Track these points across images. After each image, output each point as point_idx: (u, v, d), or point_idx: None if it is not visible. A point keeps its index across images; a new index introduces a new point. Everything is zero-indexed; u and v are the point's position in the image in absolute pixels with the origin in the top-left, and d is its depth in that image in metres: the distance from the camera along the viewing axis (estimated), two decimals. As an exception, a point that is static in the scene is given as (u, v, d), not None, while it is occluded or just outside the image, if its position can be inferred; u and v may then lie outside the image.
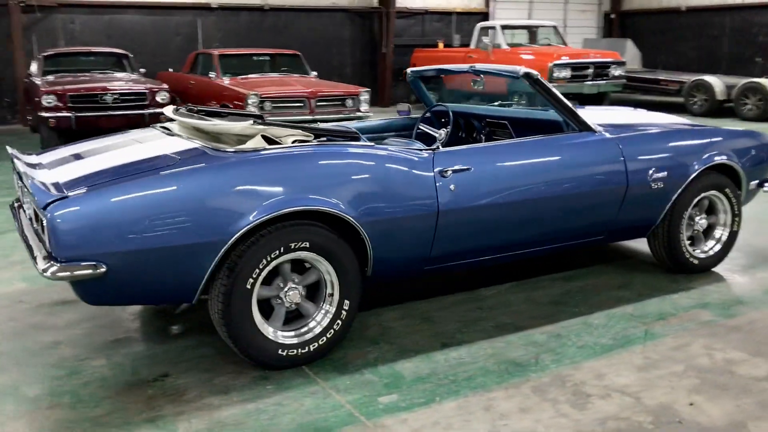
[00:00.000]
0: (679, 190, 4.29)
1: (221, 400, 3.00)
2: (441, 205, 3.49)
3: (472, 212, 3.61)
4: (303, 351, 3.25)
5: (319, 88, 10.42)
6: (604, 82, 13.93)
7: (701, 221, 4.53)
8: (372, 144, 3.50)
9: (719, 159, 4.41)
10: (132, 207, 2.88)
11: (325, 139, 3.45)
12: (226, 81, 10.82)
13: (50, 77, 10.50)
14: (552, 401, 2.97)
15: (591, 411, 2.89)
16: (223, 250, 2.98)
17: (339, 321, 3.33)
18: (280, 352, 3.20)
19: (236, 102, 10.02)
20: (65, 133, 9.34)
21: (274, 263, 3.12)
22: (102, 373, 3.26)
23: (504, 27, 14.74)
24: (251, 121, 3.35)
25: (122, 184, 2.95)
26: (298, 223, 3.14)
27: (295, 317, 3.34)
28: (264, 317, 3.22)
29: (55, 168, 3.41)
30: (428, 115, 5.11)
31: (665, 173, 4.21)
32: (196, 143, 3.39)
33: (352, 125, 4.91)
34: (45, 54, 11.11)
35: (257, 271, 3.07)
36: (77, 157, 3.62)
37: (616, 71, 14.06)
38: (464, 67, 4.58)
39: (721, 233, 4.62)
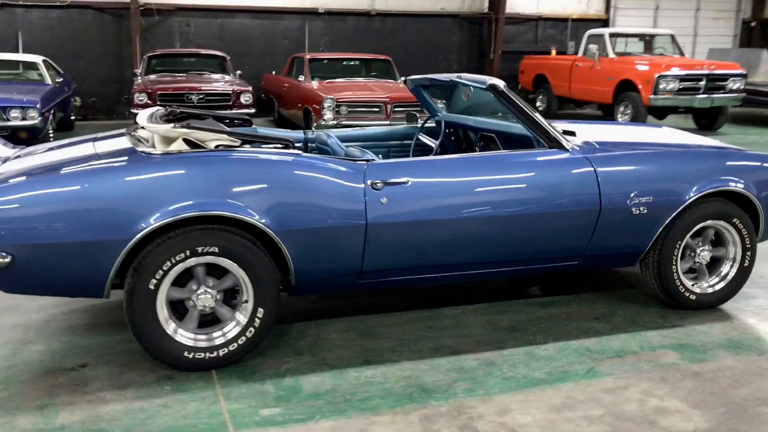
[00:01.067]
0: (670, 217, 3.90)
1: (115, 395, 3.08)
2: (370, 219, 3.38)
3: (407, 228, 3.47)
4: (211, 355, 3.27)
5: (397, 94, 10.41)
6: (720, 95, 12.91)
7: (704, 253, 4.10)
8: (299, 153, 3.44)
9: (723, 186, 3.97)
10: (38, 202, 3.02)
11: (250, 145, 3.43)
12: (313, 84, 11.07)
13: (152, 76, 11.23)
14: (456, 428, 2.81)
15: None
16: (125, 249, 3.06)
17: (252, 329, 3.31)
18: (185, 354, 3.24)
19: (314, 105, 10.25)
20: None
21: (180, 266, 3.16)
22: (32, 358, 3.44)
23: (614, 35, 14.04)
24: (172, 125, 3.40)
25: (33, 180, 3.11)
26: (207, 228, 3.16)
27: (214, 321, 3.36)
28: (179, 318, 3.27)
29: (12, 162, 3.63)
30: (432, 124, 4.97)
31: (650, 198, 3.85)
32: (129, 144, 3.49)
33: (357, 132, 4.84)
34: (149, 55, 11.87)
35: (161, 272, 3.12)
36: (39, 153, 3.82)
37: (735, 84, 12.99)
38: (451, 76, 4.41)
39: (728, 269, 4.16)
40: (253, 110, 10.48)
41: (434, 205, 3.52)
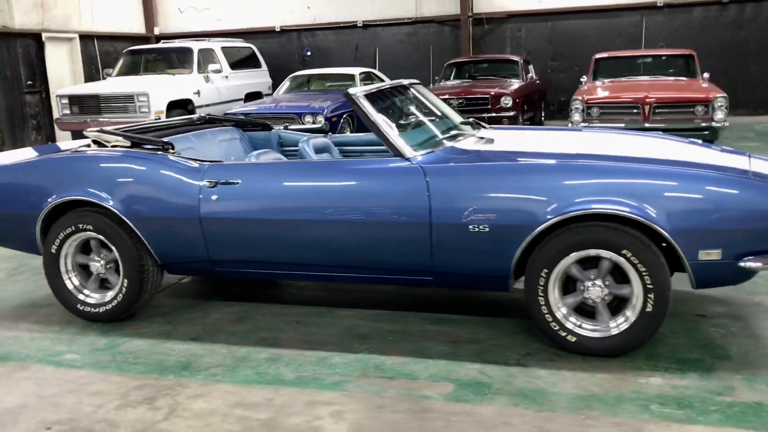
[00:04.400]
0: (526, 240, 3.38)
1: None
2: (202, 213, 3.86)
3: (236, 224, 3.83)
4: (95, 310, 4.18)
5: (655, 94, 9.46)
6: None
7: (594, 289, 3.41)
8: (164, 155, 4.06)
9: (584, 208, 3.27)
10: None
11: (130, 144, 4.18)
12: (597, 84, 10.70)
13: (455, 81, 12.24)
14: (150, 399, 3.24)
15: (170, 421, 3.10)
16: (39, 220, 4.16)
17: (120, 294, 4.11)
18: (78, 306, 4.21)
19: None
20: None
21: (73, 237, 4.13)
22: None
23: None
24: (99, 130, 4.34)
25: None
26: (87, 210, 4.07)
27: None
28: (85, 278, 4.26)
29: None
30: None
31: (492, 215, 3.41)
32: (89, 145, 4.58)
33: (352, 137, 5.12)
34: (448, 63, 12.83)
35: (57, 241, 4.15)
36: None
37: None
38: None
39: (630, 312, 3.37)
40: (512, 113, 10.65)
41: (260, 206, 3.80)
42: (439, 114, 4.57)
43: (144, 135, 4.29)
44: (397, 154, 3.67)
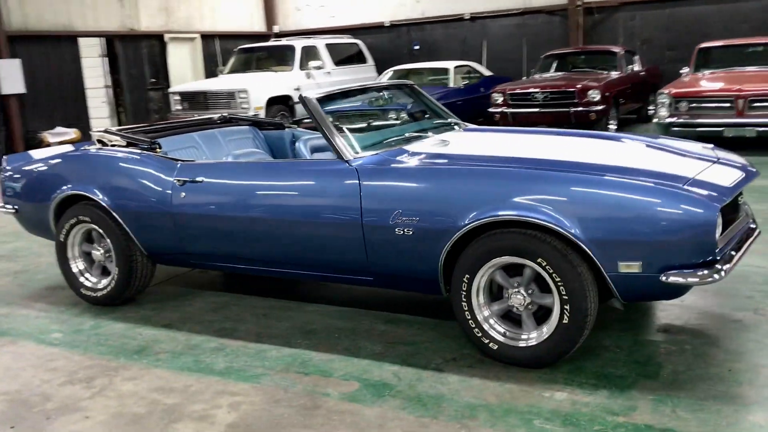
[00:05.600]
0: (447, 245, 3.36)
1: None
2: (173, 208, 4.15)
3: (200, 219, 4.09)
4: (94, 294, 4.60)
5: (752, 87, 8.73)
6: None
7: (517, 297, 3.33)
8: (148, 153, 4.37)
9: (492, 215, 3.20)
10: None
11: (126, 144, 4.53)
12: (698, 76, 10.07)
13: (548, 74, 11.94)
14: (90, 379, 3.58)
15: (94, 399, 3.44)
16: (51, 211, 4.64)
17: (113, 281, 4.50)
18: (81, 290, 4.65)
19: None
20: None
21: (77, 227, 4.57)
22: (69, 278, 5.33)
23: None
24: (104, 131, 4.74)
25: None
26: (87, 203, 4.49)
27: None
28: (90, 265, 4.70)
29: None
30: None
31: (416, 219, 3.41)
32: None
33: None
34: (544, 55, 12.47)
35: (65, 230, 4.60)
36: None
37: None
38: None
39: (548, 323, 3.26)
40: (599, 107, 10.22)
41: (217, 203, 4.04)
42: (420, 116, 4.57)
43: (137, 135, 4.63)
44: (339, 156, 3.75)
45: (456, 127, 4.59)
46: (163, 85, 15.02)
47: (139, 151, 4.46)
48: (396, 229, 3.47)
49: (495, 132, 4.68)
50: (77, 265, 4.69)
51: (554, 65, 12.37)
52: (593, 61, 12.07)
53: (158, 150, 4.47)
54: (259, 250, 4.01)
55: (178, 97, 12.91)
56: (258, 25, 17.70)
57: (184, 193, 4.13)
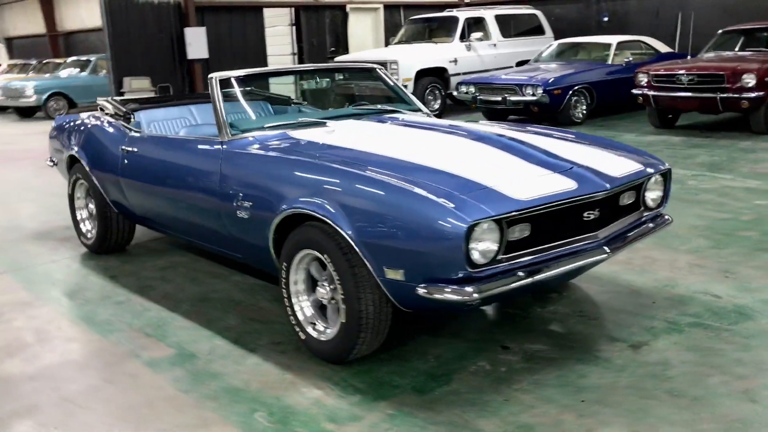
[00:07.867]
0: (272, 233, 3.41)
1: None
2: (120, 173, 4.63)
3: (131, 185, 4.55)
4: (85, 242, 5.29)
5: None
6: None
7: (320, 289, 3.29)
8: (111, 121, 4.88)
9: (296, 207, 3.20)
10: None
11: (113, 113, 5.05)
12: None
13: (715, 53, 10.65)
14: (6, 308, 4.23)
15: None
16: (65, 165, 5.38)
17: (94, 232, 5.14)
18: (80, 237, 5.36)
19: None
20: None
21: (77, 183, 5.26)
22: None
23: None
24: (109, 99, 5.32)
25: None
26: (80, 164, 5.14)
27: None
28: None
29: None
30: None
31: (251, 203, 3.50)
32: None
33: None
34: (722, 31, 10.99)
35: (70, 184, 5.32)
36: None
37: None
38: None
39: (338, 320, 3.19)
40: (754, 94, 8.88)
41: (138, 172, 4.48)
42: (383, 101, 4.55)
43: (121, 106, 5.11)
44: (220, 135, 3.91)
45: (399, 116, 4.42)
46: (342, 54, 15.79)
47: (113, 120, 4.99)
48: (237, 212, 3.59)
49: (404, 126, 4.15)
50: (80, 214, 5.39)
51: (738, 42, 10.88)
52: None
53: (131, 121, 4.96)
54: (164, 218, 4.42)
55: (339, 66, 13.55)
56: (448, -5, 17.73)
57: (126, 161, 4.58)
